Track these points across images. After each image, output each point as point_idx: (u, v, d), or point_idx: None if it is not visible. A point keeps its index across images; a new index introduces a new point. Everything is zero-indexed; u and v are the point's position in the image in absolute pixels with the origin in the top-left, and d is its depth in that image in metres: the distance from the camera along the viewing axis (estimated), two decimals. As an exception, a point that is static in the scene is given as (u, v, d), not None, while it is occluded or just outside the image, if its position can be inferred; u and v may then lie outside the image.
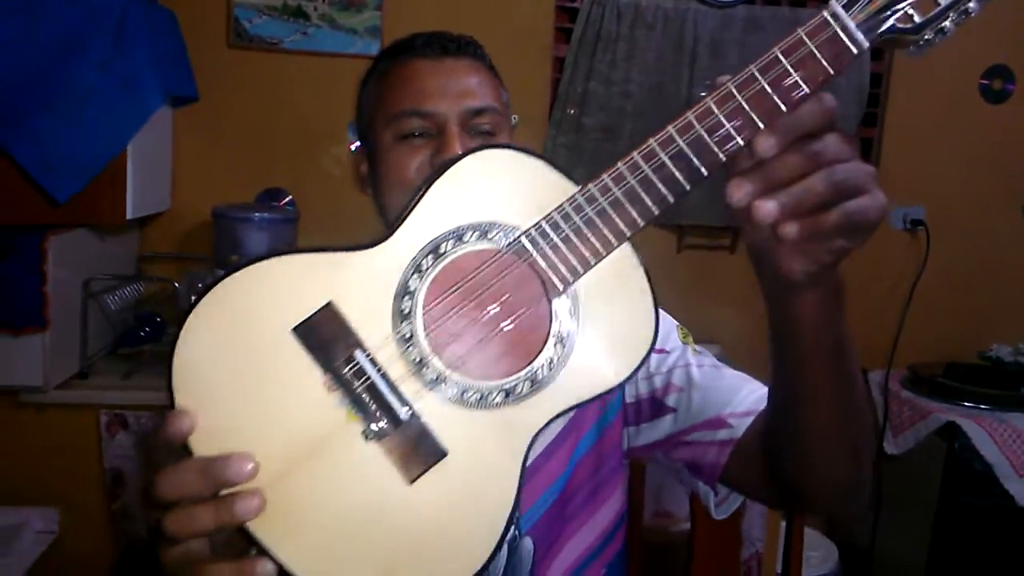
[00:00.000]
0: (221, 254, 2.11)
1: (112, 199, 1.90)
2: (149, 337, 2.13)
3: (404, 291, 0.61)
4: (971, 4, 0.60)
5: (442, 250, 0.61)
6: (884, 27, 0.58)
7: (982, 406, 2.25)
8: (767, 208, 0.54)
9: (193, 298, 0.61)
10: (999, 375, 2.36)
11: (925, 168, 2.59)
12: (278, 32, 2.29)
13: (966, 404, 2.27)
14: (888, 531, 2.44)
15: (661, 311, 0.68)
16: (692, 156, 0.58)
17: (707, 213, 2.48)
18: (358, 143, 0.97)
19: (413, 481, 0.59)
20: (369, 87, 0.93)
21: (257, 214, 2.12)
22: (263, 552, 0.56)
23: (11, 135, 1.72)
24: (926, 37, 0.59)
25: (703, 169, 0.58)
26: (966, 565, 2.23)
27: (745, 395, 0.84)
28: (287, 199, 2.39)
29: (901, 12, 0.58)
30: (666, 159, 0.58)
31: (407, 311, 0.61)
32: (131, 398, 1.90)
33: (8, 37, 1.69)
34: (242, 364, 0.59)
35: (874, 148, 2.60)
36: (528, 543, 0.86)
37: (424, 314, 0.61)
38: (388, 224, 0.73)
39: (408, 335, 0.60)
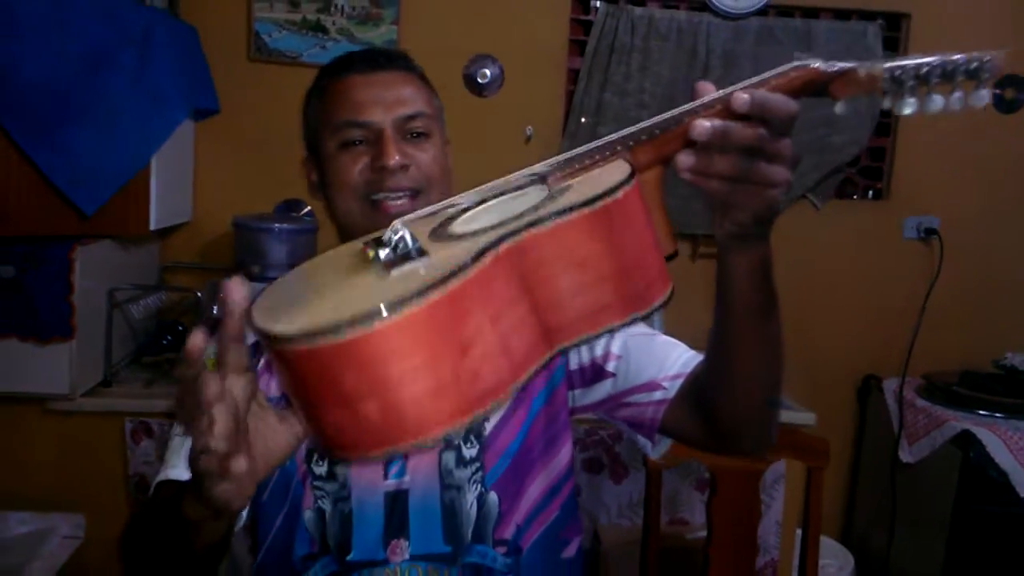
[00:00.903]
0: (242, 264, 2.15)
1: (136, 210, 1.94)
2: (171, 345, 2.17)
3: (450, 217, 0.72)
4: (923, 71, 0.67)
5: (485, 200, 0.73)
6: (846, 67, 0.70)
7: (997, 414, 2.26)
8: (681, 159, 0.68)
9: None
10: (1014, 383, 2.36)
11: (938, 177, 2.61)
12: (297, 46, 2.34)
13: (981, 412, 2.27)
14: (904, 539, 2.44)
15: None
16: (677, 114, 0.70)
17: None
18: (305, 154, 1.07)
19: (389, 272, 0.62)
20: (312, 102, 1.03)
21: (277, 225, 2.15)
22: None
23: (41, 149, 1.76)
24: (901, 79, 0.68)
25: (684, 117, 0.70)
26: (982, 573, 2.23)
27: (674, 359, 0.97)
28: (306, 210, 2.42)
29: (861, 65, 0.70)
30: (654, 120, 0.71)
31: (449, 224, 0.70)
32: (155, 406, 1.94)
33: (39, 51, 1.73)
34: (313, 274, 0.71)
35: (887, 157, 2.62)
36: (494, 497, 0.98)
37: (458, 220, 0.71)
38: (339, 226, 1.01)
39: (440, 229, 0.70)
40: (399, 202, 0.95)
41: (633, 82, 2.41)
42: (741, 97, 0.65)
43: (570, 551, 1.06)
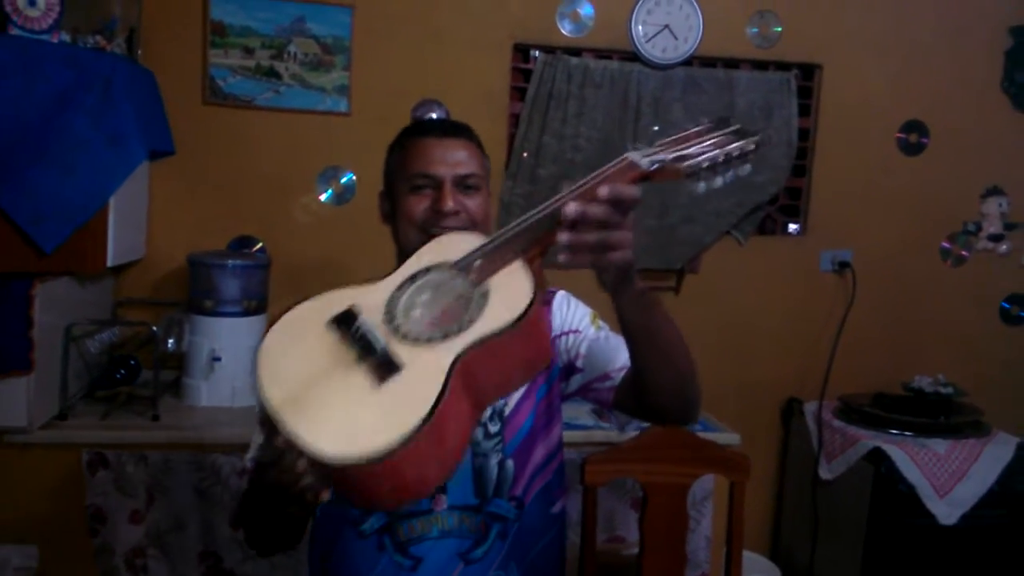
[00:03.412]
0: (196, 298, 2.22)
1: (94, 248, 2.00)
2: (124, 379, 2.21)
3: (392, 298, 1.00)
4: (697, 161, 0.97)
5: (416, 277, 1.03)
6: (658, 160, 0.97)
7: (906, 433, 2.45)
8: (560, 237, 0.93)
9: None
10: (921, 404, 2.56)
11: (851, 213, 2.83)
12: (251, 90, 2.44)
13: (892, 432, 2.47)
14: (825, 551, 2.60)
15: (579, 302, 1.36)
16: (543, 216, 0.98)
17: (654, 258, 2.67)
18: (382, 189, 1.37)
19: (380, 385, 0.90)
20: (395, 152, 1.33)
21: (231, 261, 2.23)
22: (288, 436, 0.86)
23: (2, 187, 1.82)
24: (692, 170, 0.97)
25: (552, 218, 0.96)
26: (895, 581, 2.40)
27: (621, 356, 1.25)
28: (258, 246, 2.51)
29: (670, 158, 0.98)
30: (530, 221, 0.99)
31: (392, 307, 0.99)
32: (110, 437, 1.98)
33: (5, 95, 1.80)
34: (296, 339, 0.97)
35: (804, 196, 2.83)
36: (510, 463, 1.28)
37: (403, 307, 0.99)
38: (401, 247, 1.28)
39: (392, 315, 0.98)
40: None
41: (570, 127, 2.57)
42: (602, 189, 0.92)
43: (557, 508, 1.37)
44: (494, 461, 1.27)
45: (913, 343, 2.88)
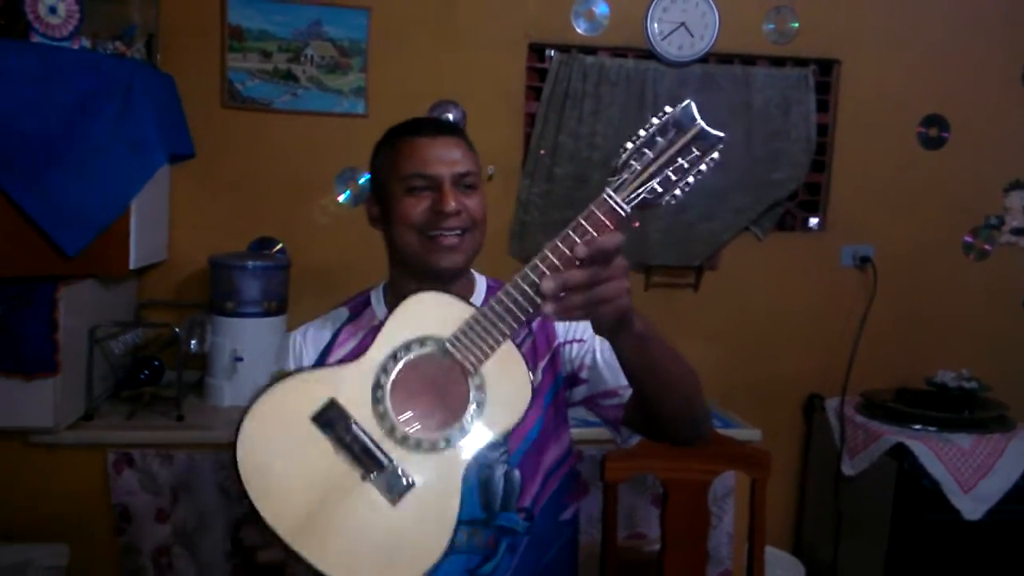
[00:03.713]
0: (218, 300, 2.24)
1: (117, 251, 2.03)
2: (148, 380, 2.24)
3: (377, 384, 0.98)
4: (676, 192, 0.96)
5: (398, 356, 0.99)
6: (637, 198, 0.94)
7: (930, 428, 2.43)
8: (545, 308, 0.91)
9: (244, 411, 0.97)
10: (944, 399, 2.54)
11: (871, 209, 2.80)
12: (269, 94, 2.46)
13: (915, 427, 2.44)
14: (849, 548, 2.58)
15: None
16: (526, 294, 0.94)
17: (672, 255, 2.66)
18: (370, 192, 1.31)
19: (395, 504, 0.94)
20: (382, 153, 1.27)
21: (251, 262, 2.25)
22: (303, 562, 0.88)
23: (27, 192, 1.85)
24: (669, 200, 0.96)
25: (536, 292, 0.93)
26: (921, 577, 2.38)
27: None
28: (278, 247, 2.53)
29: (647, 191, 0.95)
30: (515, 298, 0.95)
31: (380, 397, 0.98)
32: (135, 437, 2.01)
33: (27, 101, 1.82)
34: (282, 445, 0.95)
35: (823, 191, 2.81)
36: (516, 474, 1.23)
37: (391, 397, 0.98)
38: (394, 250, 1.25)
39: (383, 411, 0.97)
40: (452, 238, 1.20)
41: (586, 125, 2.58)
42: (579, 250, 0.90)
43: (567, 514, 1.33)
44: (499, 473, 1.22)
45: (935, 337, 2.85)
